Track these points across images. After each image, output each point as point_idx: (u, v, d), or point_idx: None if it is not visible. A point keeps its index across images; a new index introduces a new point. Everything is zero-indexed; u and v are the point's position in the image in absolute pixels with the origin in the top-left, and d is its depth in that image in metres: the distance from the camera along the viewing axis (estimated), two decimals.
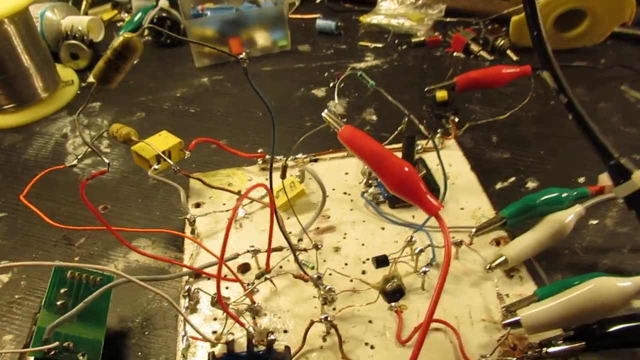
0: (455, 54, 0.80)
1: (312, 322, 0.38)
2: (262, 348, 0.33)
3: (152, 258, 0.46)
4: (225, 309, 0.34)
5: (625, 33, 0.80)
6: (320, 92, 0.74)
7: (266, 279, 0.40)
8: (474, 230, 0.45)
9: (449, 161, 0.55)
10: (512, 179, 0.59)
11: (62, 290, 0.42)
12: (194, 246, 0.48)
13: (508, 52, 0.79)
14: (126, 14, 0.96)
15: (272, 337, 0.31)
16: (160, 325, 0.46)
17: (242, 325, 0.37)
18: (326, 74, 0.78)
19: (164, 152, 0.50)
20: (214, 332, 0.41)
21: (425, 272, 0.42)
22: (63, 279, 0.43)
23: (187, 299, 0.43)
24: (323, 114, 0.38)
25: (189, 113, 0.72)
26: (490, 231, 0.46)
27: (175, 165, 0.49)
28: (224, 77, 0.79)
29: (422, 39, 0.82)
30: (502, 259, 0.43)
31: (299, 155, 0.56)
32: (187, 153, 0.51)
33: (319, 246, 0.44)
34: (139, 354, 0.44)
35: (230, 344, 0.32)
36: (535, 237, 0.43)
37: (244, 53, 0.34)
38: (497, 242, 0.47)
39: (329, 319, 0.39)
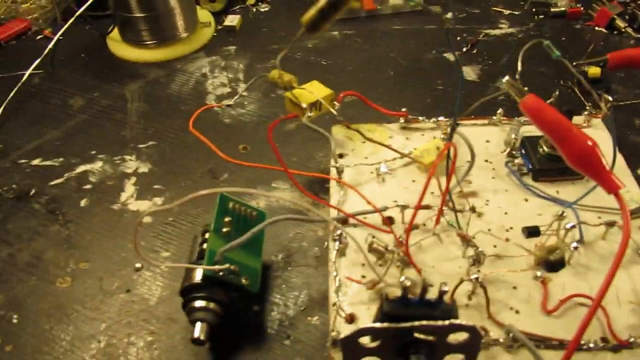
0: (597, 28, 0.77)
1: (462, 280, 0.40)
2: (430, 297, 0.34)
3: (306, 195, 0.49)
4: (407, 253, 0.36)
5: None
6: (452, 56, 0.74)
7: (434, 234, 0.41)
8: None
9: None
10: (629, 172, 0.57)
11: (226, 219, 0.45)
12: (340, 194, 0.50)
13: None
14: None
15: (444, 288, 0.33)
16: (301, 262, 0.50)
17: (416, 269, 0.39)
18: (458, 38, 0.77)
19: (315, 102, 0.52)
20: (363, 277, 0.44)
21: (575, 249, 0.42)
22: (226, 208, 0.46)
23: (337, 242, 0.45)
24: (504, 80, 0.38)
25: (321, 65, 0.74)
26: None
27: (337, 114, 0.50)
28: (354, 32, 0.79)
29: (563, 9, 0.79)
30: None
31: (441, 118, 0.57)
32: (337, 105, 0.53)
33: (475, 209, 0.45)
34: (283, 286, 0.48)
35: (405, 289, 0.34)
36: None
37: (449, 14, 0.34)
38: None
39: (479, 279, 0.40)
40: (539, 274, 0.42)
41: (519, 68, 0.46)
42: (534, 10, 0.81)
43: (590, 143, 0.35)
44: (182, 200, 0.37)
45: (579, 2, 0.80)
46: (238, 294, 0.44)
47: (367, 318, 0.41)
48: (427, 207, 0.47)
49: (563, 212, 0.44)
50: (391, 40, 0.78)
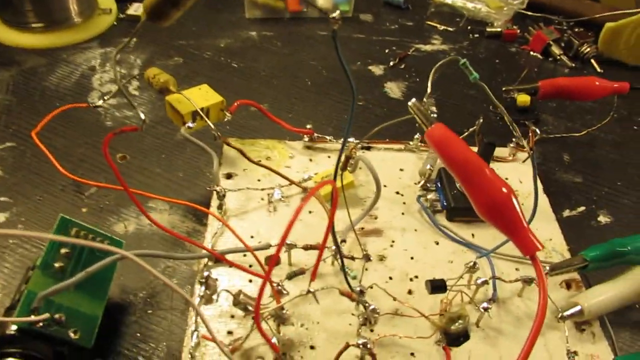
0: (532, 53, 0.72)
1: (347, 345, 0.32)
2: None
3: (168, 233, 0.40)
4: (258, 325, 0.28)
5: None
6: (378, 70, 0.67)
7: (309, 292, 0.33)
8: (547, 268, 0.38)
9: (519, 177, 0.48)
10: (582, 208, 0.51)
11: (62, 251, 0.36)
12: (219, 224, 0.41)
13: (592, 61, 0.70)
14: None
15: None
16: (166, 305, 0.40)
17: (269, 342, 0.31)
18: (387, 51, 0.70)
19: (202, 110, 0.43)
20: (229, 333, 0.35)
21: (486, 310, 0.35)
22: (67, 235, 0.37)
23: (202, 287, 0.36)
24: (410, 103, 0.31)
25: (232, 67, 0.65)
26: (566, 272, 0.39)
27: (215, 129, 0.42)
28: (274, 34, 0.71)
29: (499, 30, 0.74)
30: (578, 309, 0.37)
31: (351, 139, 0.49)
32: (228, 115, 0.45)
33: (370, 257, 0.38)
34: (138, 334, 0.39)
35: None
36: (619, 289, 0.37)
37: (337, 12, 0.27)
38: (568, 285, 0.40)
39: (368, 345, 0.32)
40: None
41: (429, 89, 0.39)
42: (469, 28, 0.75)
43: (504, 191, 0.28)
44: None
45: (516, 24, 0.75)
46: (68, 347, 0.34)
47: None
48: (315, 247, 0.39)
49: (475, 263, 0.37)
50: (314, 47, 0.70)
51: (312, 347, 0.34)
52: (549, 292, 0.39)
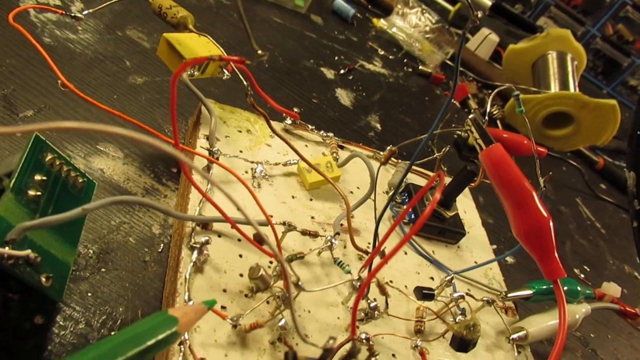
0: (452, 100, 0.79)
1: (351, 338, 0.31)
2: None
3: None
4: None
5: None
6: (329, 74, 0.67)
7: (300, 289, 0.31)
8: (503, 294, 0.42)
9: (463, 208, 0.53)
10: (494, 246, 0.58)
11: (37, 177, 0.29)
12: (205, 188, 0.37)
13: (498, 122, 0.80)
14: None
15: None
16: (121, 265, 0.35)
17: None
18: (336, 58, 0.71)
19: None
20: (223, 308, 0.31)
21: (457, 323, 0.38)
22: (40, 161, 0.30)
23: (194, 253, 0.32)
24: (470, 117, 0.32)
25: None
26: (512, 300, 0.43)
27: (248, 84, 0.38)
28: (230, 4, 0.67)
29: (429, 71, 0.80)
30: (523, 333, 0.41)
31: (330, 134, 0.48)
32: (227, 74, 0.41)
33: (367, 252, 0.37)
34: (89, 294, 0.32)
35: (328, 352, 0.23)
36: (554, 320, 0.42)
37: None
38: (505, 311, 0.45)
39: (370, 342, 0.32)
40: (419, 343, 0.36)
41: (488, 108, 0.41)
42: (405, 61, 0.80)
43: (547, 217, 0.30)
44: None
45: (445, 69, 0.82)
46: (19, 295, 0.27)
47: None
48: (316, 234, 0.37)
49: (452, 278, 0.39)
50: (271, 32, 0.68)
51: (306, 335, 0.33)
52: (489, 316, 0.43)
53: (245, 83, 0.38)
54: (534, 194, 0.31)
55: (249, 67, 0.37)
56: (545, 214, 0.30)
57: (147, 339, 0.22)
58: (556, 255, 0.30)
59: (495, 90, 0.41)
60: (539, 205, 0.30)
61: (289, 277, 0.29)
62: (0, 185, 0.28)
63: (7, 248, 0.25)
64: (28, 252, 0.25)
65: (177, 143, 0.31)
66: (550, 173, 0.43)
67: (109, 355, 0.20)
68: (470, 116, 0.32)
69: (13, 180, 0.27)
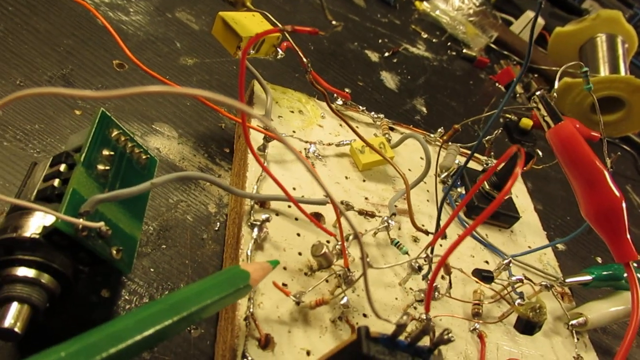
0: (497, 84, 0.78)
1: (411, 318, 0.31)
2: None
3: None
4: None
5: None
6: (373, 56, 0.66)
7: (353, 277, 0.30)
8: (561, 279, 0.41)
9: (515, 192, 0.51)
10: (545, 233, 0.57)
11: (105, 152, 0.29)
12: (260, 168, 0.37)
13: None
14: None
15: (449, 336, 0.24)
16: (179, 243, 0.35)
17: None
18: (380, 41, 0.70)
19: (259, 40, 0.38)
20: (285, 285, 0.31)
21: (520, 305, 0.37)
22: (107, 136, 0.30)
23: (255, 230, 0.32)
24: (537, 93, 0.31)
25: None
26: (575, 285, 0.42)
27: (308, 60, 0.38)
28: None
29: (474, 54, 0.78)
30: (583, 319, 0.40)
31: (381, 115, 0.48)
32: (281, 53, 0.40)
33: (427, 232, 0.37)
34: (151, 270, 0.33)
35: (401, 328, 0.23)
36: (615, 307, 0.41)
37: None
38: (562, 297, 0.44)
39: (431, 322, 0.31)
40: (477, 325, 0.36)
41: (556, 85, 0.40)
42: (448, 44, 0.79)
43: (620, 197, 0.29)
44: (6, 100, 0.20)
45: (489, 53, 0.80)
46: (89, 267, 0.28)
47: (287, 346, 0.29)
48: (373, 214, 0.37)
49: (510, 261, 0.39)
50: (313, 14, 0.67)
51: (364, 315, 0.33)
52: (546, 302, 0.42)
53: (304, 60, 0.38)
54: (606, 172, 0.30)
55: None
56: (617, 193, 0.29)
57: (223, 290, 0.23)
58: (628, 237, 0.29)
59: (563, 68, 0.39)
60: (611, 184, 0.29)
61: (363, 253, 0.28)
62: (71, 160, 0.28)
63: (81, 220, 0.25)
64: (101, 224, 0.25)
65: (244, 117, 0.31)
66: (619, 153, 0.41)
67: (191, 300, 0.22)
68: (538, 93, 0.32)
69: (84, 155, 0.27)
